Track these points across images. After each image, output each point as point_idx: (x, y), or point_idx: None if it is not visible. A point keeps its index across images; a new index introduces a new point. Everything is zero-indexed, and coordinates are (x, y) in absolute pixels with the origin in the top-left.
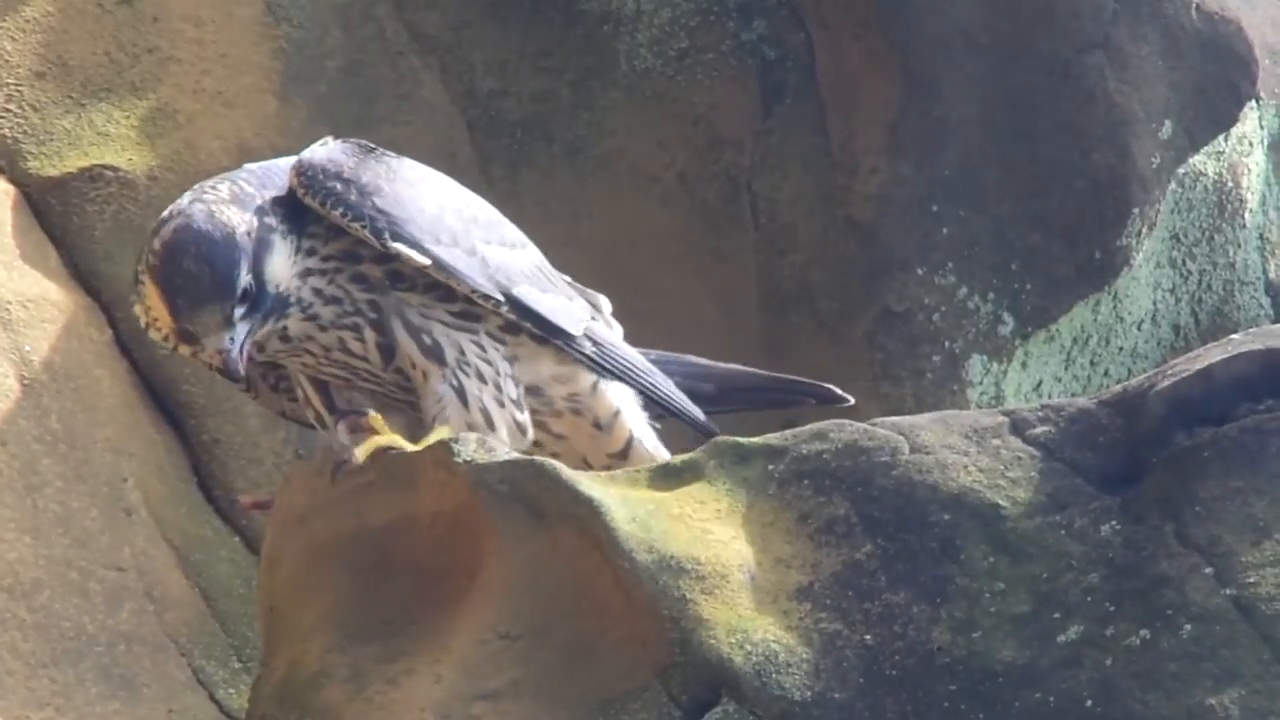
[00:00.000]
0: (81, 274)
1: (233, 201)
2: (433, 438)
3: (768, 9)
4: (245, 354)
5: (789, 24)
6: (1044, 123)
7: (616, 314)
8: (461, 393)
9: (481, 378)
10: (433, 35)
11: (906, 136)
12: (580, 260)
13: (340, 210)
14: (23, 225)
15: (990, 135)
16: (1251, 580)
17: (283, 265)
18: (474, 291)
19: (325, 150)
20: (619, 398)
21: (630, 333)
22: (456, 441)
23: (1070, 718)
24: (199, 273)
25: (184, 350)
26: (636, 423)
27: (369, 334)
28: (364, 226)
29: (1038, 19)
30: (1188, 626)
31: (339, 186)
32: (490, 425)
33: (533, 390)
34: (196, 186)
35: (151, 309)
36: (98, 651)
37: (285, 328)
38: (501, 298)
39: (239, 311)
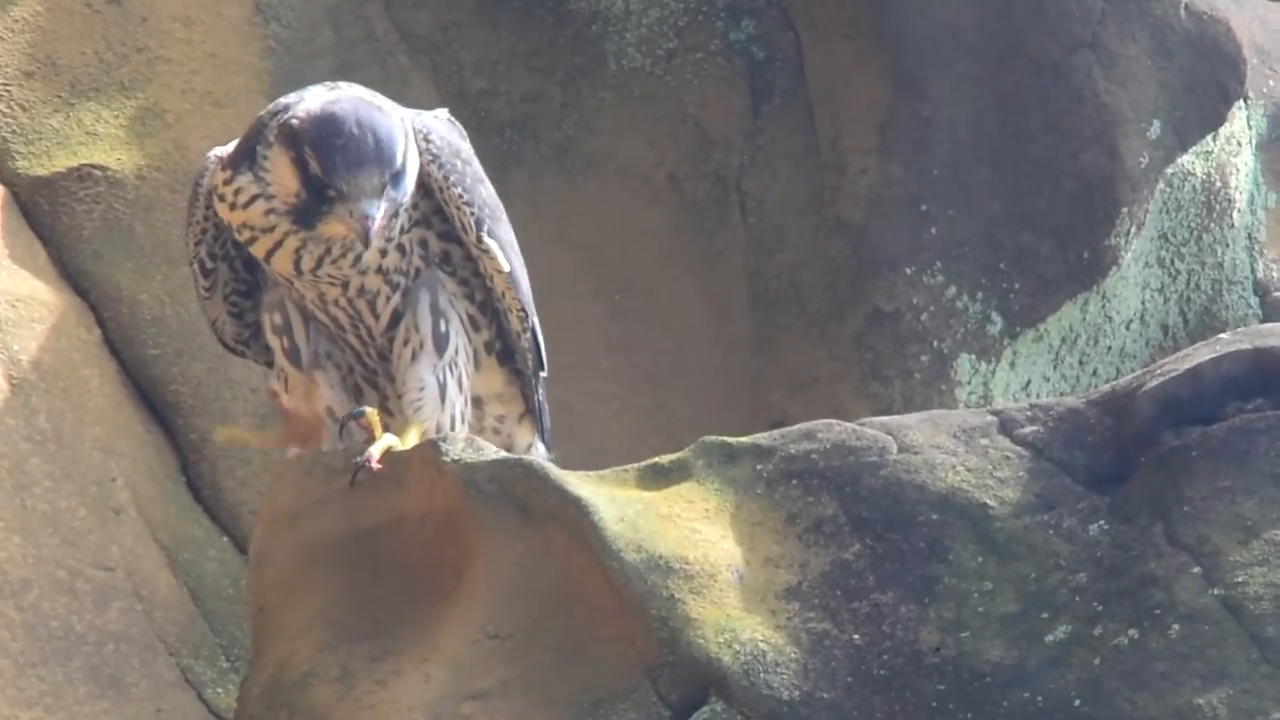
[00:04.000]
0: (70, 273)
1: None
2: (412, 433)
3: (757, 9)
4: (378, 231)
5: (778, 24)
6: (1033, 123)
7: (607, 313)
8: (443, 391)
9: (460, 385)
10: (422, 35)
11: (895, 136)
12: (570, 260)
13: (459, 190)
14: (11, 225)
15: (979, 135)
16: (1240, 580)
17: (413, 170)
18: (522, 310)
19: (444, 125)
20: (534, 433)
21: (621, 332)
22: (445, 441)
23: (1058, 718)
24: (362, 136)
25: (285, 237)
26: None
27: (396, 296)
28: (471, 214)
29: (1027, 19)
30: (1176, 626)
31: (460, 165)
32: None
33: (475, 402)
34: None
35: (275, 178)
36: (86, 651)
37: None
38: (532, 322)
39: (391, 184)
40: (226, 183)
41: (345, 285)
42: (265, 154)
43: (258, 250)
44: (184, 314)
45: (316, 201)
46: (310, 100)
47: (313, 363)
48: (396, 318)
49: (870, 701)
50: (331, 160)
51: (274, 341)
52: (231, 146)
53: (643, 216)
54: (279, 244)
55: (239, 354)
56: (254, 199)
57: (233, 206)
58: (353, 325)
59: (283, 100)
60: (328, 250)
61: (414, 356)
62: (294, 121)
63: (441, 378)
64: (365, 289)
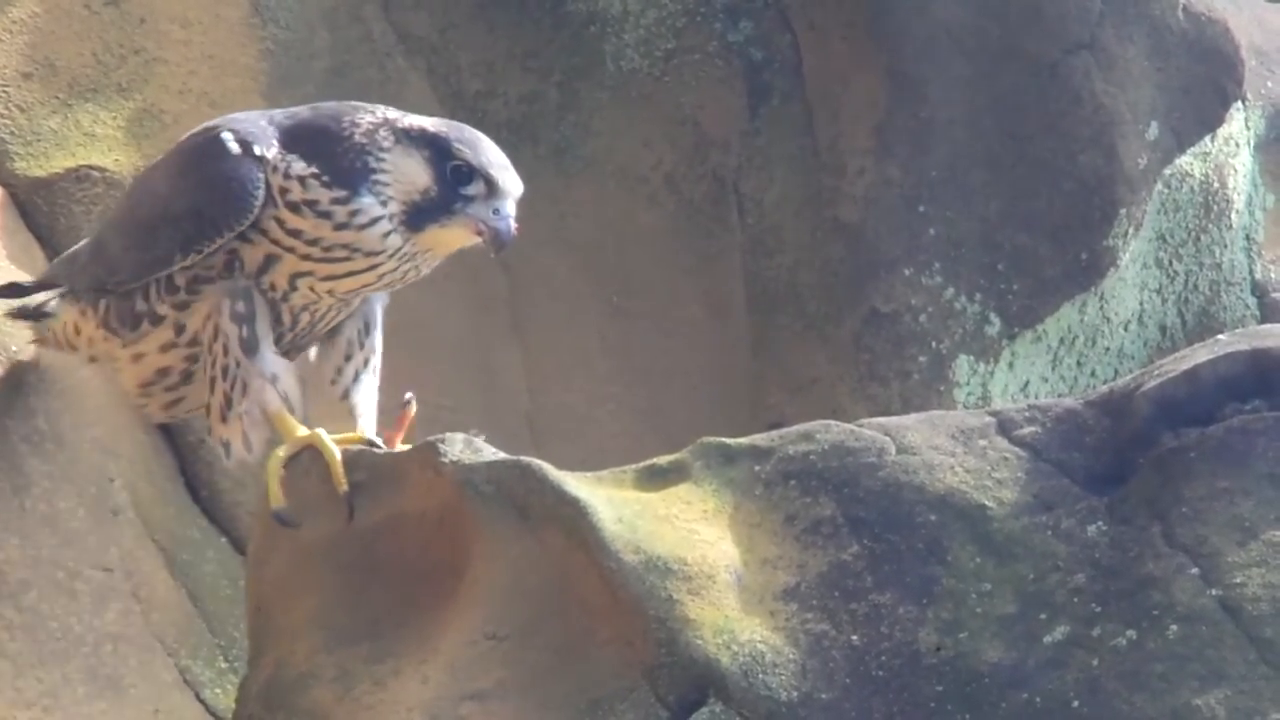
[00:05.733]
0: None
1: None
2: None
3: (754, 10)
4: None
5: (776, 25)
6: (1031, 124)
7: (604, 314)
8: (372, 413)
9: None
10: (420, 36)
11: (893, 137)
12: (567, 261)
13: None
14: (10, 226)
15: (977, 136)
16: (1238, 581)
17: None
18: None
19: None
20: None
21: (618, 333)
22: (443, 442)
23: (1056, 718)
24: (497, 145)
25: (378, 262)
26: None
27: (347, 311)
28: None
29: (1024, 20)
30: (1174, 627)
31: None
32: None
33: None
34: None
35: (398, 178)
36: (84, 652)
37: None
38: None
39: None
40: (339, 202)
41: (345, 300)
42: (381, 160)
43: (324, 269)
44: None
45: (446, 200)
46: (416, 116)
47: (270, 353)
48: (336, 329)
49: (868, 702)
50: (484, 155)
51: (230, 328)
52: (295, 155)
53: (640, 217)
54: (354, 272)
55: (109, 286)
56: (375, 220)
57: (341, 227)
58: (309, 327)
59: (360, 117)
60: (397, 270)
61: (357, 376)
62: (423, 125)
63: (374, 399)
64: (350, 302)
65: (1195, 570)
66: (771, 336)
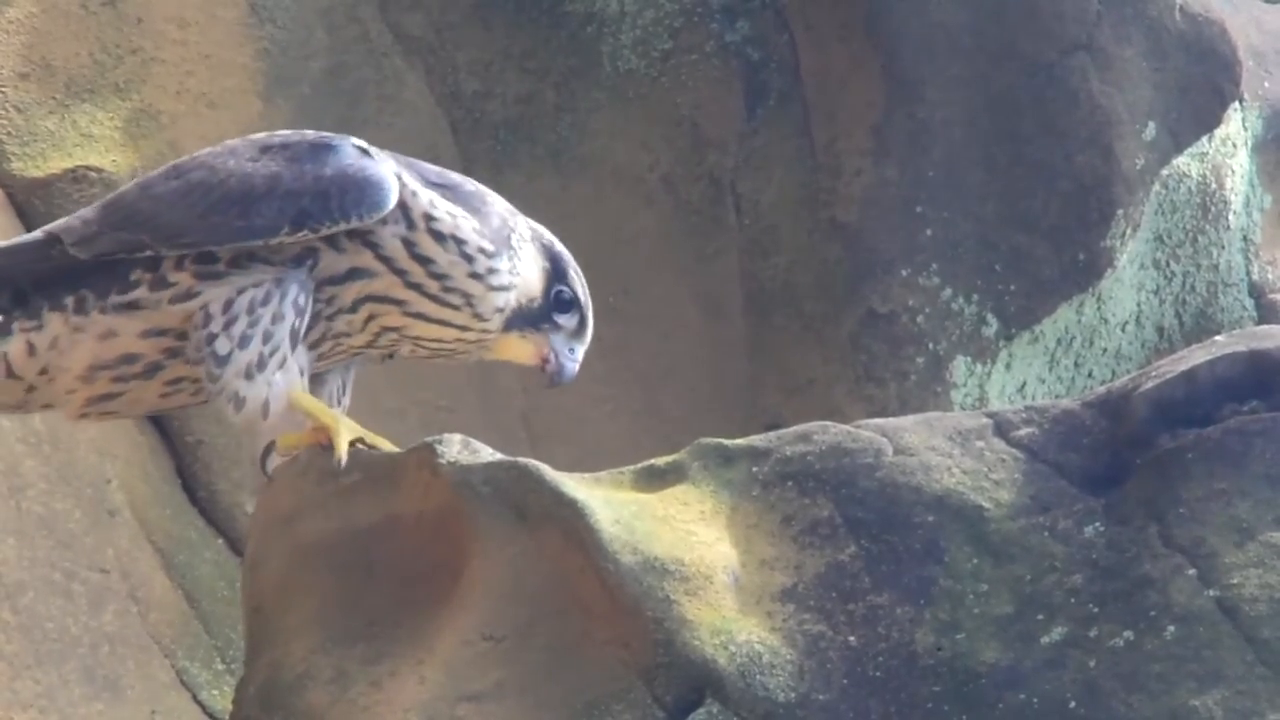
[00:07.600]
0: None
1: None
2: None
3: (752, 10)
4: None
5: (773, 25)
6: (1028, 124)
7: (601, 315)
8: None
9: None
10: (417, 36)
11: (890, 138)
12: None
13: None
14: (6, 227)
15: (974, 137)
16: (1235, 581)
17: None
18: None
19: None
20: None
21: (615, 335)
22: (440, 443)
23: (1054, 719)
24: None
25: (468, 331)
26: None
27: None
28: None
29: (1021, 21)
30: (1171, 628)
31: None
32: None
33: None
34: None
35: (524, 276)
36: (81, 653)
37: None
38: None
39: None
40: (485, 254)
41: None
42: (519, 248)
43: (424, 305)
44: None
45: (540, 318)
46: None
47: (304, 350)
48: (319, 379)
49: (866, 703)
50: (586, 298)
51: (289, 311)
52: (436, 194)
53: (637, 218)
54: (446, 322)
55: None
56: (505, 289)
57: (475, 276)
58: (314, 359)
59: (491, 195)
60: (462, 348)
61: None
62: (552, 239)
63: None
64: (357, 361)
65: (1193, 571)
66: (768, 337)
